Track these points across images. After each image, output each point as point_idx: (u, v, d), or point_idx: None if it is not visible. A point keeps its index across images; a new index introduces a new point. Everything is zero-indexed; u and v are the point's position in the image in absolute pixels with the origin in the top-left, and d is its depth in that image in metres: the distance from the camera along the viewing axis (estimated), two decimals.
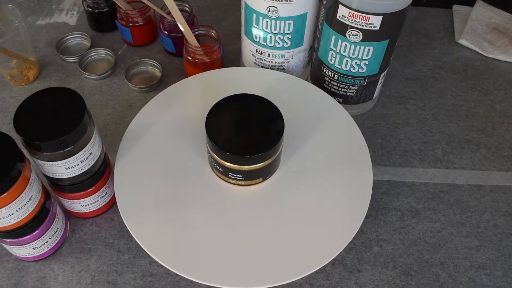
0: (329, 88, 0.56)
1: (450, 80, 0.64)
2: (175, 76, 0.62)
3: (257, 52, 0.56)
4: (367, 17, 0.46)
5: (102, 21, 0.66)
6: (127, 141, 0.49)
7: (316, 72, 0.57)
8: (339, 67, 0.52)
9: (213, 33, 0.60)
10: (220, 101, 0.45)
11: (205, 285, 0.44)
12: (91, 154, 0.42)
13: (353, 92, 0.55)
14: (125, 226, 0.44)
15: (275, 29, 0.52)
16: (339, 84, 0.54)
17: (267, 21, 0.51)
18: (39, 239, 0.43)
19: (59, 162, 0.40)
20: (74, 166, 0.41)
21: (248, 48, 0.57)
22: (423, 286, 0.46)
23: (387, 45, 0.49)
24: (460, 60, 0.66)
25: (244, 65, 0.61)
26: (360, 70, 0.52)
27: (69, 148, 0.39)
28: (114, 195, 0.49)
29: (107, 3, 0.65)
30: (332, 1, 0.47)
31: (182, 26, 0.55)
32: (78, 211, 0.48)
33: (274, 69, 0.57)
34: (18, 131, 0.38)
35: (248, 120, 0.44)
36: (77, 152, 0.41)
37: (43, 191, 0.42)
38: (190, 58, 0.57)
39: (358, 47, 0.49)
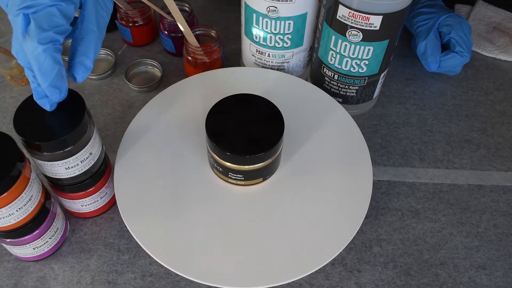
0: (329, 88, 0.56)
1: (450, 80, 0.64)
2: (175, 76, 0.62)
3: (257, 52, 0.56)
4: (367, 17, 0.46)
5: None
6: (127, 141, 0.49)
7: (316, 72, 0.57)
8: (339, 67, 0.52)
9: (213, 33, 0.60)
10: (220, 101, 0.45)
11: (205, 285, 0.44)
12: (91, 154, 0.42)
13: (353, 92, 0.55)
14: (125, 226, 0.44)
15: (275, 29, 0.52)
16: (339, 84, 0.54)
17: (267, 21, 0.51)
18: (39, 239, 0.43)
19: (59, 162, 0.40)
20: (74, 166, 0.41)
21: (248, 48, 0.57)
22: (423, 286, 0.46)
23: (387, 45, 0.49)
24: None
25: (244, 65, 0.61)
26: (360, 70, 0.52)
27: (69, 148, 0.39)
28: (114, 195, 0.49)
29: None
30: (332, 1, 0.47)
31: (182, 26, 0.55)
32: (78, 211, 0.48)
33: (274, 69, 0.57)
34: (18, 131, 0.38)
35: (248, 120, 0.44)
36: (77, 152, 0.41)
37: (43, 191, 0.42)
38: (190, 58, 0.57)
39: (358, 47, 0.49)
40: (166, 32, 0.61)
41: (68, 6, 0.34)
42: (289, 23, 0.51)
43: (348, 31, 0.48)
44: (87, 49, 0.36)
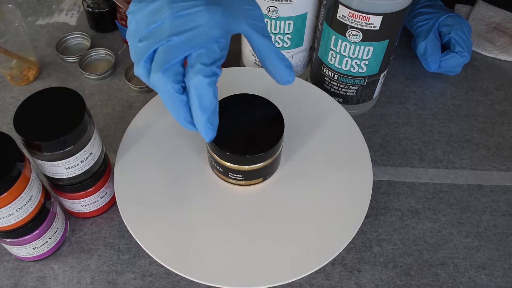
0: (329, 88, 0.56)
1: (450, 80, 0.64)
2: None
3: None
4: (367, 17, 0.46)
5: (102, 21, 0.66)
6: (127, 141, 0.49)
7: (316, 72, 0.57)
8: (339, 67, 0.52)
9: None
10: (220, 101, 0.45)
11: (205, 285, 0.44)
12: (91, 154, 0.42)
13: (353, 92, 0.55)
14: (125, 226, 0.44)
15: (275, 29, 0.52)
16: (339, 84, 0.54)
17: (267, 21, 0.51)
18: (39, 239, 0.43)
19: (59, 162, 0.40)
20: (74, 166, 0.41)
21: (248, 48, 0.57)
22: (423, 286, 0.46)
23: (387, 45, 0.49)
24: None
25: (244, 65, 0.61)
26: (360, 70, 0.52)
27: (69, 148, 0.40)
28: (114, 195, 0.49)
29: (107, 3, 0.65)
30: (332, 1, 0.47)
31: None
32: (78, 211, 0.48)
33: None
34: (18, 131, 0.38)
35: (248, 120, 0.44)
36: (77, 152, 0.41)
37: (43, 191, 0.42)
38: None
39: (358, 47, 0.49)
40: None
41: (226, 41, 0.35)
42: (289, 23, 0.51)
43: (348, 31, 0.48)
44: (276, 58, 0.37)
